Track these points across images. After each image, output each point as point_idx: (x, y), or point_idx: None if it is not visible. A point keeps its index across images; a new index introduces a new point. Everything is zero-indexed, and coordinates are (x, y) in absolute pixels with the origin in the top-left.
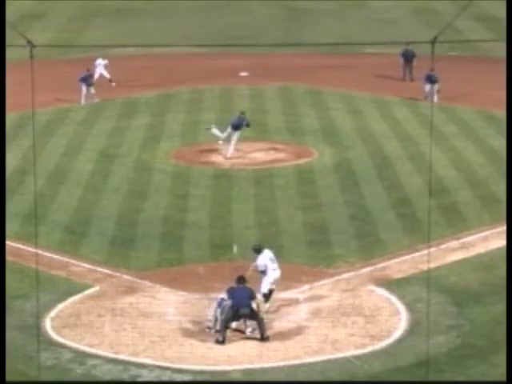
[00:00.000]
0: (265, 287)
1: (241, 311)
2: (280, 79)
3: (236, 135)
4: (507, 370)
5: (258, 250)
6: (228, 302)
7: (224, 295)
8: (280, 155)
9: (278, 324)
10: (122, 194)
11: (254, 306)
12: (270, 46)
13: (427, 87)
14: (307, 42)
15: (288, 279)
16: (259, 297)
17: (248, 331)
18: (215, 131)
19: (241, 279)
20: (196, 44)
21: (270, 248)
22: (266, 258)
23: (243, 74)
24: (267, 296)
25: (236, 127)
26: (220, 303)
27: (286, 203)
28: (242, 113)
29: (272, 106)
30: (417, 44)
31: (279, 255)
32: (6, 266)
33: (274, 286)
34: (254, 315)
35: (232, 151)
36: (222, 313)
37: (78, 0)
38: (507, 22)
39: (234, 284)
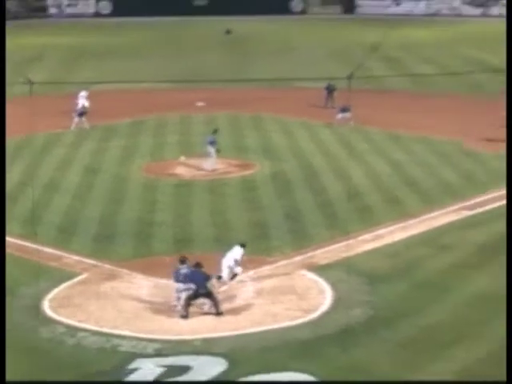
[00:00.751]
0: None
1: (199, 291)
2: (229, 108)
3: (213, 150)
4: (507, 369)
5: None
6: (184, 271)
7: (179, 266)
8: (229, 168)
9: (229, 301)
10: (103, 200)
11: (209, 286)
12: (221, 82)
13: (339, 115)
14: (250, 78)
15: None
16: (225, 277)
17: (206, 307)
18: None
19: (198, 265)
20: (161, 80)
21: (224, 242)
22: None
23: (200, 104)
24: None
25: (211, 143)
26: (176, 275)
27: (234, 206)
28: (214, 131)
29: (223, 130)
30: (337, 80)
31: (230, 248)
32: (5, 267)
33: (239, 271)
34: (210, 294)
35: (214, 164)
36: (186, 291)
37: (68, 45)
38: (507, 24)
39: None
